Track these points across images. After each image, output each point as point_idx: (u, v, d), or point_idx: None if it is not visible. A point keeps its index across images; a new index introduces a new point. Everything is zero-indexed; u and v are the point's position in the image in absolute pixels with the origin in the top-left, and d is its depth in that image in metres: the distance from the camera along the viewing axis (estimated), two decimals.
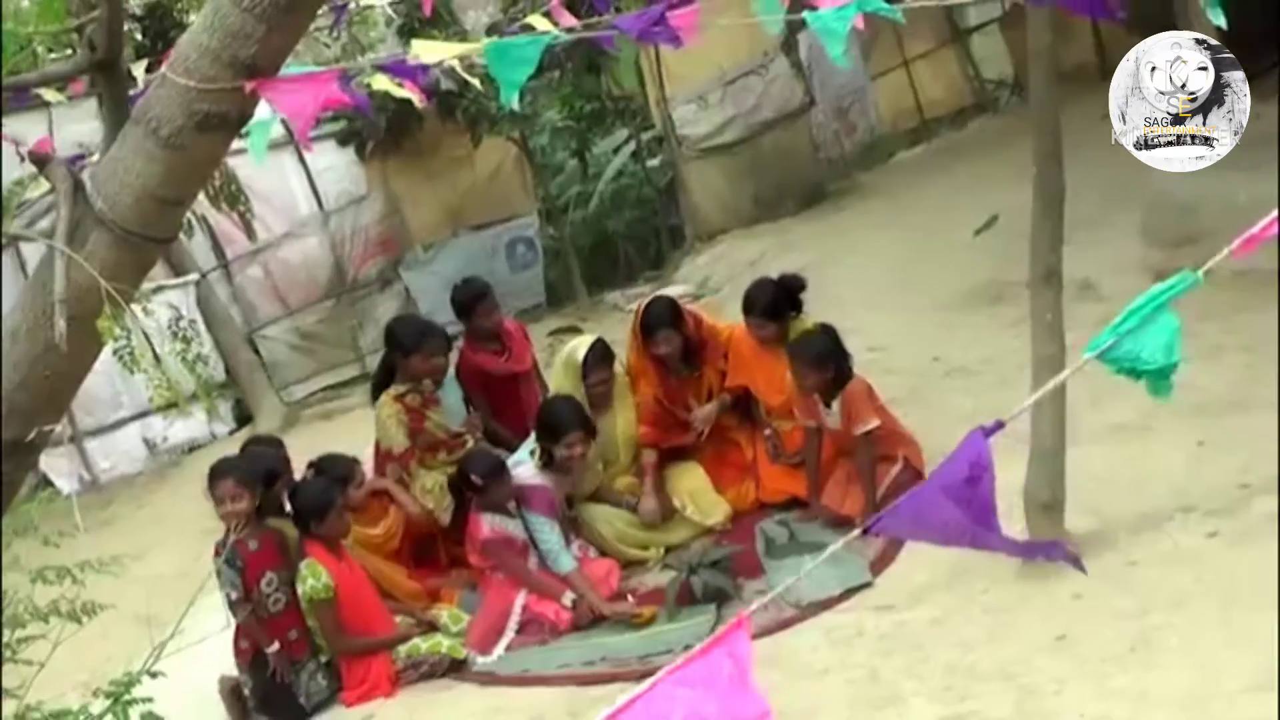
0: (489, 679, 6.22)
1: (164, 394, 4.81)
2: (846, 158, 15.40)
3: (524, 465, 6.84)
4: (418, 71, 4.66)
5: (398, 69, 4.72)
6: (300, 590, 6.25)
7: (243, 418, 13.05)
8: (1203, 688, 4.30)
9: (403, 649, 6.35)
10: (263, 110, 3.72)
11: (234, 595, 6.27)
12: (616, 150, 17.31)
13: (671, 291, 11.10)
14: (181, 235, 12.58)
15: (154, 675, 3.31)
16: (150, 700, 3.33)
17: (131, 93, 3.93)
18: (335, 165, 14.20)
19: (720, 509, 7.07)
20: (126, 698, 3.19)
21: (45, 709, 3.36)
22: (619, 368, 7.39)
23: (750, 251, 13.05)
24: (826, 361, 6.59)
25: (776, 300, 7.11)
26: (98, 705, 3.30)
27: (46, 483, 11.06)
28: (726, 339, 7.39)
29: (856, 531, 2.66)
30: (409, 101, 12.24)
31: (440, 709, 6.06)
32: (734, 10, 6.35)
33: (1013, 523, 5.50)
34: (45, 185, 3.83)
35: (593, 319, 12.20)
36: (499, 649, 6.38)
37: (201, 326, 12.79)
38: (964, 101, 16.83)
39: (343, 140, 14.14)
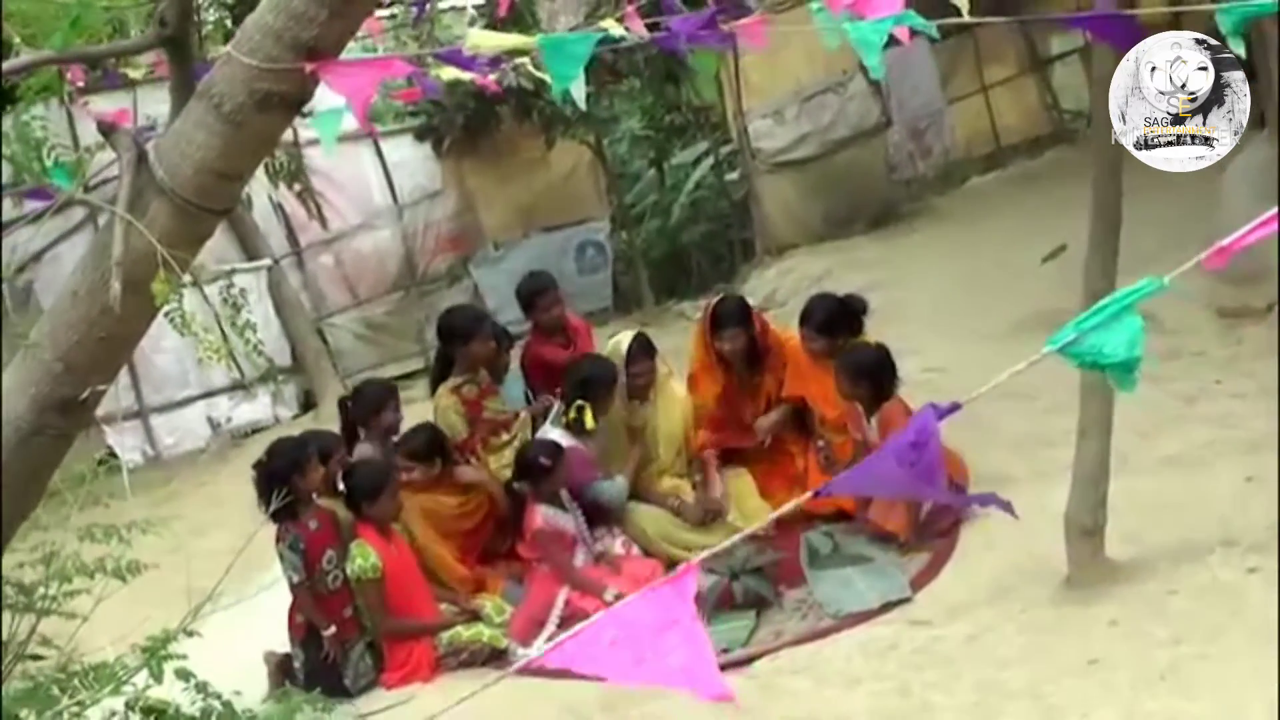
0: (527, 669, 6.27)
1: (212, 354, 4.93)
2: (920, 180, 15.29)
3: (553, 432, 7.03)
4: (475, 62, 4.74)
5: (458, 59, 4.81)
6: (349, 570, 6.37)
7: (307, 404, 13.22)
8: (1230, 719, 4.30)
9: (445, 635, 6.45)
10: (336, 100, 3.82)
11: (295, 579, 6.42)
12: (695, 162, 17.29)
13: None
14: (257, 220, 12.86)
15: (190, 634, 3.42)
16: (185, 657, 3.44)
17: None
18: (411, 159, 14.32)
19: (764, 517, 7.09)
20: (162, 653, 3.29)
21: (85, 661, 3.47)
22: (660, 365, 7.42)
23: (818, 268, 13.00)
24: (865, 374, 6.65)
25: (833, 316, 7.14)
26: (135, 660, 3.40)
27: (111, 454, 11.23)
28: (790, 350, 7.42)
29: (807, 495, 2.83)
30: (487, 101, 12.48)
31: (476, 696, 6.12)
32: (798, 22, 6.37)
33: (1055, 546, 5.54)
34: (110, 155, 3.94)
35: (657, 326, 12.19)
36: (539, 641, 6.45)
37: (271, 310, 12.97)
38: (1041, 130, 16.65)
39: (419, 135, 14.28)
